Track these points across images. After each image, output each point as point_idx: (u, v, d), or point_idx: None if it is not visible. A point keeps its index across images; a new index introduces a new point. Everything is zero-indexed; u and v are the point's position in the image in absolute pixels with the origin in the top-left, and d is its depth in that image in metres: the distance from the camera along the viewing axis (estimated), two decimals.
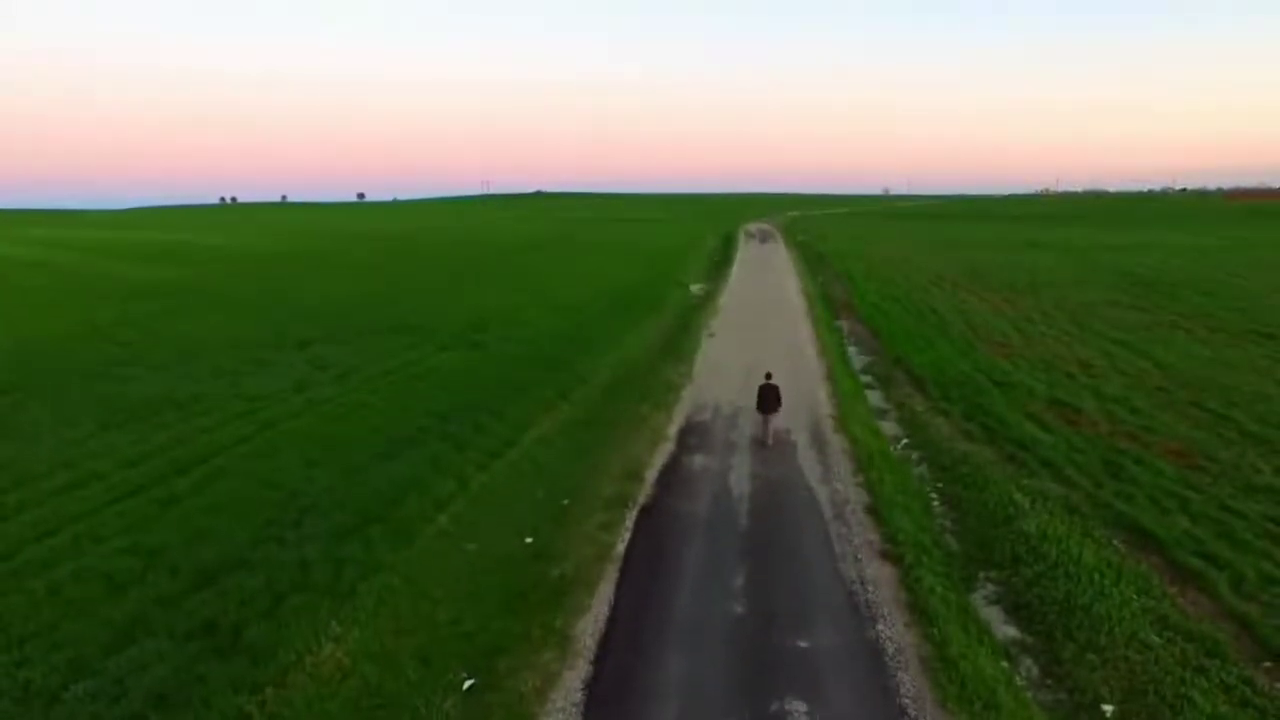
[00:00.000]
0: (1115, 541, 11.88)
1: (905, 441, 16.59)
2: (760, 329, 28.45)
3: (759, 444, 15.71)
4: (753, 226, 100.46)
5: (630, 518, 12.21)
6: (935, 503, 13.35)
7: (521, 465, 14.76)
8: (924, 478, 14.48)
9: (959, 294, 37.66)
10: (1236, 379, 21.75)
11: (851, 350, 26.30)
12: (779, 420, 16.29)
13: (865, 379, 22.30)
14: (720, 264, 54.74)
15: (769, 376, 16.15)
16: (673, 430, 16.64)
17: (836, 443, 15.67)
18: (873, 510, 12.42)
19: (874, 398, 20.28)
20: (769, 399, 15.71)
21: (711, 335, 27.48)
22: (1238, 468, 15.05)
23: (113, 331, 29.62)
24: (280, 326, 30.22)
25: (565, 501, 13.33)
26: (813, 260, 55.66)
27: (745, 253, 61.94)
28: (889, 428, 17.71)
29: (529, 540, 12.01)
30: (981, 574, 10.91)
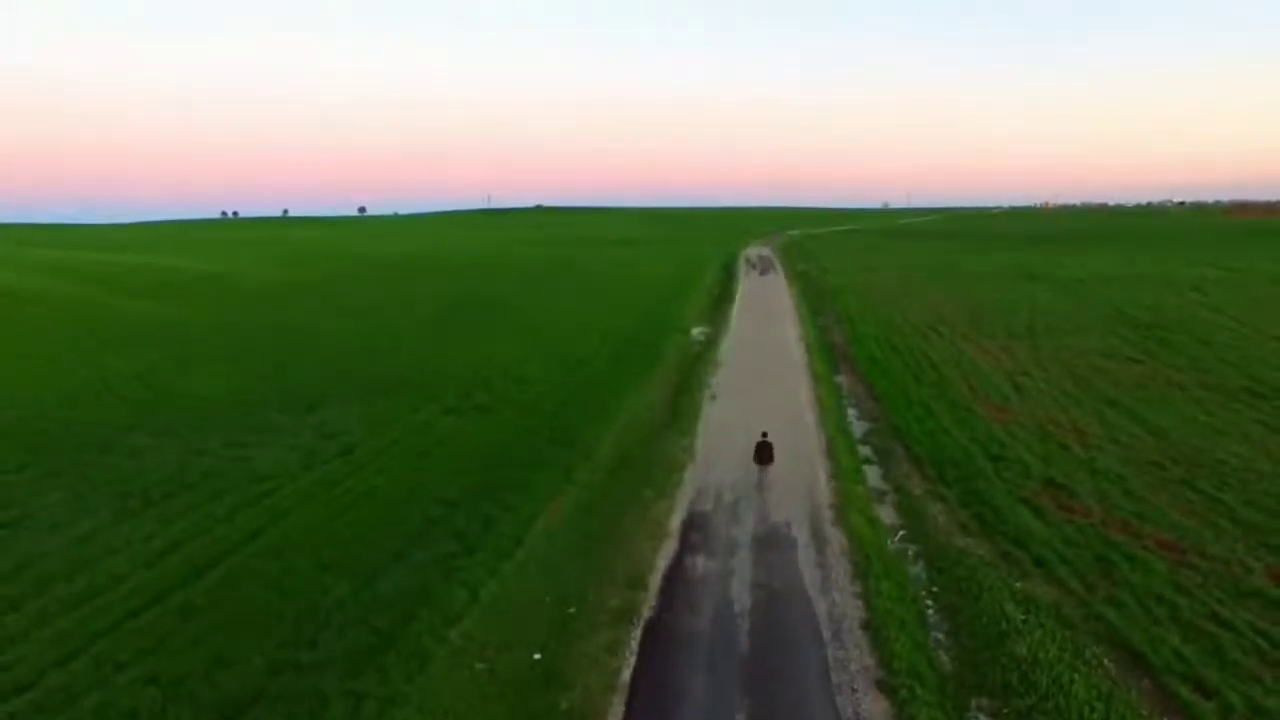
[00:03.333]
0: (1106, 661, 12.24)
1: (902, 533, 16.97)
2: (761, 389, 28.82)
3: (757, 488, 18.94)
4: (753, 252, 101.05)
5: (635, 638, 12.57)
6: (930, 611, 13.72)
7: (529, 567, 15.13)
8: (920, 580, 14.86)
9: (957, 341, 38.08)
10: (1229, 450, 22.14)
11: (850, 414, 26.70)
12: (780, 513, 17.15)
13: (864, 451, 22.69)
14: (721, 300, 55.26)
15: (765, 435, 19.77)
16: (675, 523, 17.03)
17: (835, 540, 16.04)
18: (869, 627, 12.78)
19: (872, 476, 20.67)
20: (764, 453, 19.49)
21: (713, 398, 27.87)
22: (1228, 564, 15.43)
23: (123, 388, 30.03)
24: (286, 383, 30.66)
25: (571, 610, 13.71)
26: (812, 297, 56.16)
27: (746, 287, 62.45)
28: (887, 514, 18.10)
29: (537, 657, 12.38)
30: (974, 702, 11.27)
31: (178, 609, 13.34)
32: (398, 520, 17.07)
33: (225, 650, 12.12)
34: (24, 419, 25.42)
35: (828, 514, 17.44)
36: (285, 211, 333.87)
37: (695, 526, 16.82)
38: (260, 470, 20.59)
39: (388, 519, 17.14)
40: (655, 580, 14.52)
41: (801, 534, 16.31)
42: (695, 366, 33.12)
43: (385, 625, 12.79)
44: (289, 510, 17.70)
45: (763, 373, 31.99)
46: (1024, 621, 13.08)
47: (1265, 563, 15.51)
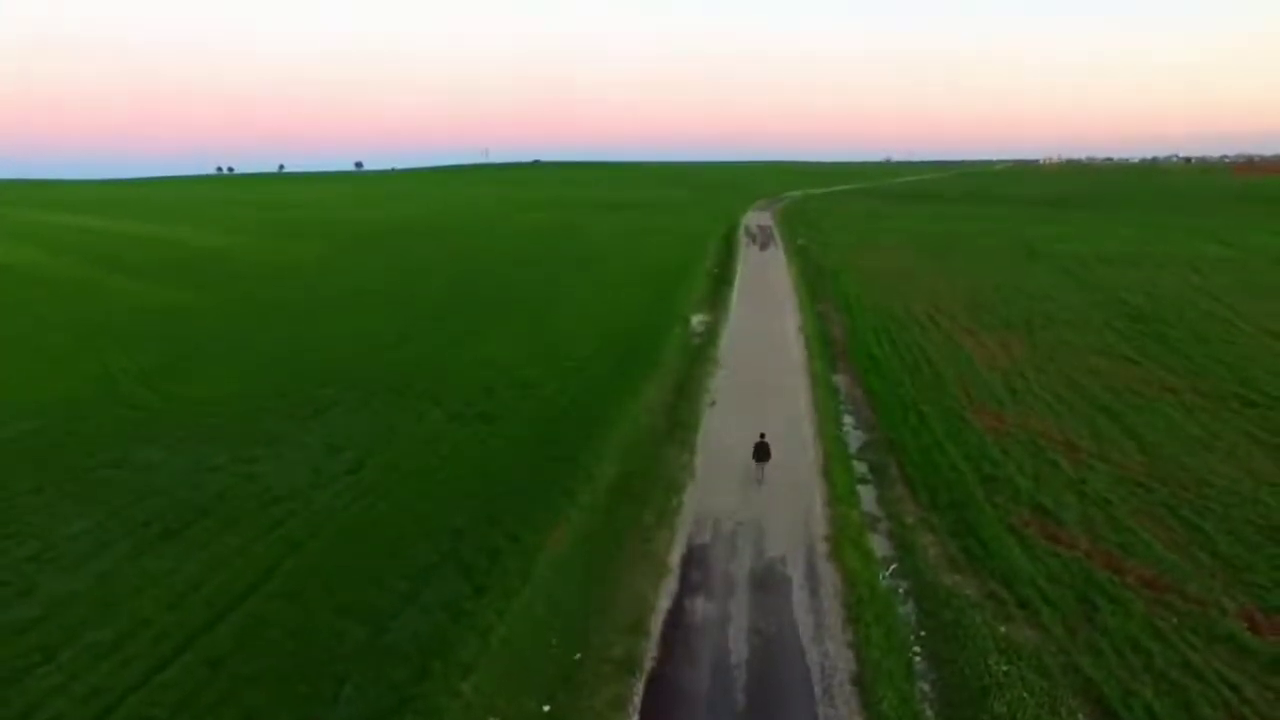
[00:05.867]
0: (1080, 717, 13.01)
1: (894, 567, 17.66)
2: (760, 394, 29.25)
3: (755, 483, 21.39)
4: (753, 222, 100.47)
5: (637, 692, 13.30)
6: (918, 660, 14.44)
7: (535, 607, 15.82)
8: (909, 623, 15.56)
9: (955, 335, 38.40)
10: (1215, 469, 22.74)
11: (847, 422, 27.24)
12: (776, 545, 17.90)
13: (859, 468, 23.27)
14: (720, 282, 55.34)
15: (762, 436, 21.90)
16: (675, 557, 17.69)
17: (829, 579, 16.72)
18: (859, 681, 13.52)
19: (867, 498, 21.29)
20: (762, 452, 21.47)
21: (713, 403, 28.37)
22: (1203, 604, 16.14)
23: (129, 391, 30.51)
24: (290, 383, 31.09)
25: (577, 656, 14.44)
26: (812, 278, 56.22)
27: (745, 266, 62.34)
28: (879, 544, 18.77)
29: (546, 709, 13.14)
30: None
31: (204, 660, 14.03)
32: (408, 554, 17.70)
33: (253, 707, 12.85)
34: (34, 431, 25.97)
35: (822, 547, 18.09)
36: (281, 167, 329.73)
37: (694, 562, 17.48)
38: (271, 490, 21.19)
39: (398, 552, 17.76)
40: (656, 625, 15.22)
41: (796, 572, 16.98)
42: (694, 367, 33.49)
43: (402, 679, 13.50)
44: (302, 542, 18.31)
45: (762, 373, 32.40)
46: (1005, 674, 13.81)
47: (1239, 603, 16.22)
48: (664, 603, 15.97)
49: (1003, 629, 15.24)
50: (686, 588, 16.47)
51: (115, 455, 23.82)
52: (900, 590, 16.75)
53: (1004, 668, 14.00)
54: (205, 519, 19.60)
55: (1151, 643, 14.87)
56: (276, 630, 14.94)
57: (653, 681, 13.61)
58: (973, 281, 53.09)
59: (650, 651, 14.43)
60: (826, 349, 37.07)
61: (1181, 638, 15.06)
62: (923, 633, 15.30)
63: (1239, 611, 15.97)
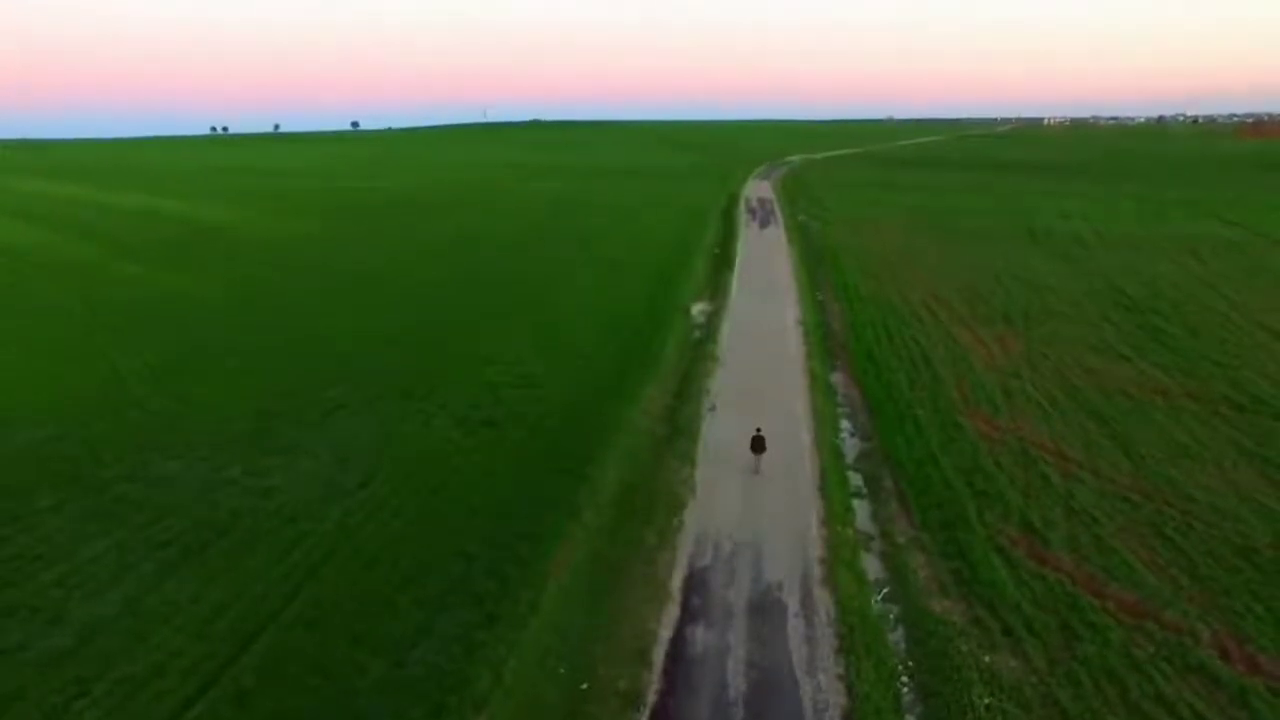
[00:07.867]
0: None
1: (886, 590, 18.46)
2: (758, 398, 29.77)
3: (752, 472, 23.50)
4: (753, 193, 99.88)
5: None
6: (906, 692, 15.29)
7: (544, 637, 16.59)
8: (899, 651, 16.38)
9: (953, 329, 38.85)
10: (1200, 480, 23.45)
11: (844, 428, 27.92)
12: (773, 569, 18.68)
13: (855, 480, 23.98)
14: (720, 264, 55.54)
15: (759, 430, 23.83)
16: (676, 581, 18.46)
17: (823, 606, 17.50)
18: (849, 716, 14.36)
19: (861, 514, 22.01)
20: (759, 445, 23.49)
21: (712, 408, 28.97)
22: (1179, 631, 16.93)
23: (139, 393, 31.02)
24: (296, 383, 31.62)
25: (585, 686, 15.28)
26: (811, 261, 56.43)
27: (746, 247, 62.33)
28: (872, 565, 19.55)
29: None
30: None
31: (231, 695, 14.83)
32: (422, 579, 18.42)
33: None
34: (50, 439, 26.55)
35: (817, 571, 18.85)
36: (276, 126, 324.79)
37: (695, 587, 18.25)
38: (286, 508, 21.82)
39: (412, 578, 18.46)
40: (659, 655, 16.03)
41: (792, 600, 17.74)
42: (694, 365, 33.99)
43: (420, 715, 14.32)
44: (318, 565, 19.03)
45: (761, 372, 32.96)
46: (988, 707, 14.66)
47: (1213, 628, 17.00)
48: (665, 632, 16.76)
49: (987, 659, 16.05)
50: (687, 615, 17.25)
51: (131, 467, 24.44)
52: (890, 616, 17.55)
53: (986, 700, 14.85)
54: (223, 539, 20.31)
55: (1128, 673, 15.69)
56: (298, 663, 15.72)
57: (655, 716, 14.45)
58: (971, 267, 53.23)
59: (653, 684, 15.26)
60: (825, 343, 37.56)
61: (1156, 667, 15.86)
62: (911, 663, 16.11)
63: (1212, 639, 16.75)
